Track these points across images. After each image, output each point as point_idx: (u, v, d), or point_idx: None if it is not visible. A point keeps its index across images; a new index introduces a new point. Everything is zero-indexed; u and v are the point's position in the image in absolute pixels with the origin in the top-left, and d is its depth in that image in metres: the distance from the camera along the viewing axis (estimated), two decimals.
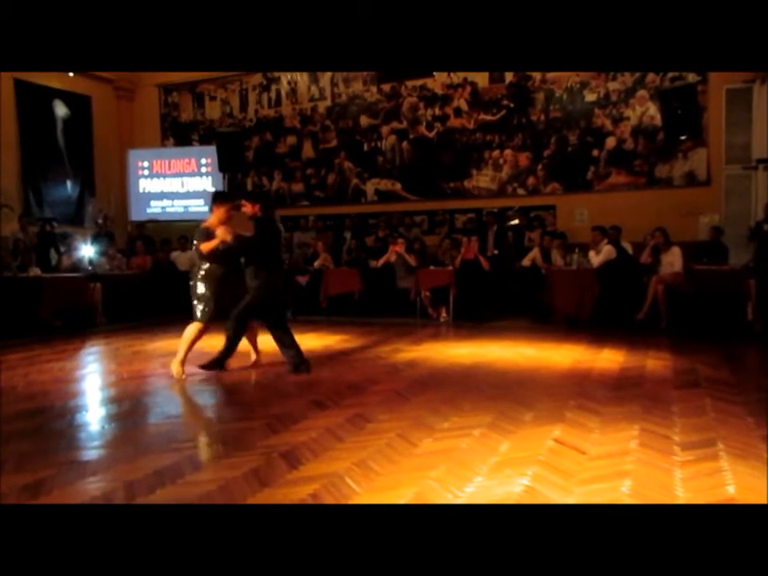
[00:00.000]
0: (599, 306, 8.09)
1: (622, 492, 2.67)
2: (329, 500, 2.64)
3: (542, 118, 10.26)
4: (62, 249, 9.83)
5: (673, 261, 7.93)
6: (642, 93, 9.63)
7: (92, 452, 3.44)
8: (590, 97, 9.98)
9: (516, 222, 10.18)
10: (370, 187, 11.48)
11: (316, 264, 9.98)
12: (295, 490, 2.74)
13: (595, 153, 9.93)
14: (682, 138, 8.97)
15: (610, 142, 9.85)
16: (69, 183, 11.76)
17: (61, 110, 11.62)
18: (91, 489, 2.83)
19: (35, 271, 8.57)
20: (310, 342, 7.22)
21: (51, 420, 4.06)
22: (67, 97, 11.70)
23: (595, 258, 8.30)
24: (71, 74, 11.42)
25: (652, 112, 9.54)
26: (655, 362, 5.70)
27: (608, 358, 5.92)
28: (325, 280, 9.63)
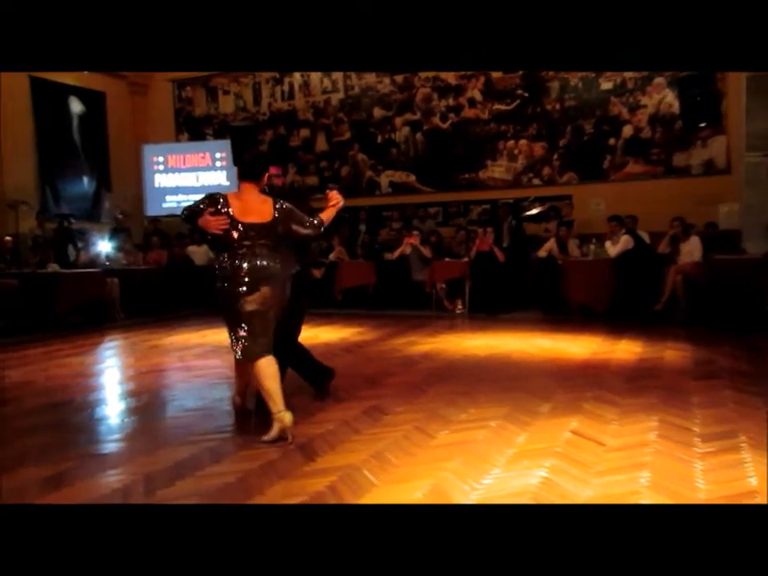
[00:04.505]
0: (616, 297, 8.02)
1: (641, 484, 2.64)
2: (346, 492, 2.64)
3: (557, 107, 10.16)
4: (80, 245, 9.92)
5: (692, 250, 7.83)
6: (659, 80, 9.49)
7: (112, 445, 3.47)
8: (606, 85, 9.86)
9: (536, 210, 10.09)
10: (384, 179, 11.46)
11: (331, 257, 9.99)
12: (312, 482, 2.75)
13: (611, 142, 9.82)
14: (701, 125, 8.82)
15: (627, 131, 9.73)
16: (85, 179, 11.85)
17: (76, 106, 11.70)
18: (112, 481, 2.86)
19: (53, 267, 8.66)
20: (325, 334, 7.24)
21: (71, 413, 4.10)
22: (82, 93, 11.78)
23: (612, 249, 8.22)
24: (86, 71, 11.48)
25: (669, 99, 9.40)
26: (674, 353, 5.65)
27: (626, 349, 5.87)
28: (339, 273, 9.64)
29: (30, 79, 10.74)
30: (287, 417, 3.33)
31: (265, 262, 3.42)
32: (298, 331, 4.13)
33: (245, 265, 3.39)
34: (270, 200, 3.49)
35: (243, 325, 3.42)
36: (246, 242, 3.41)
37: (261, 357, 3.41)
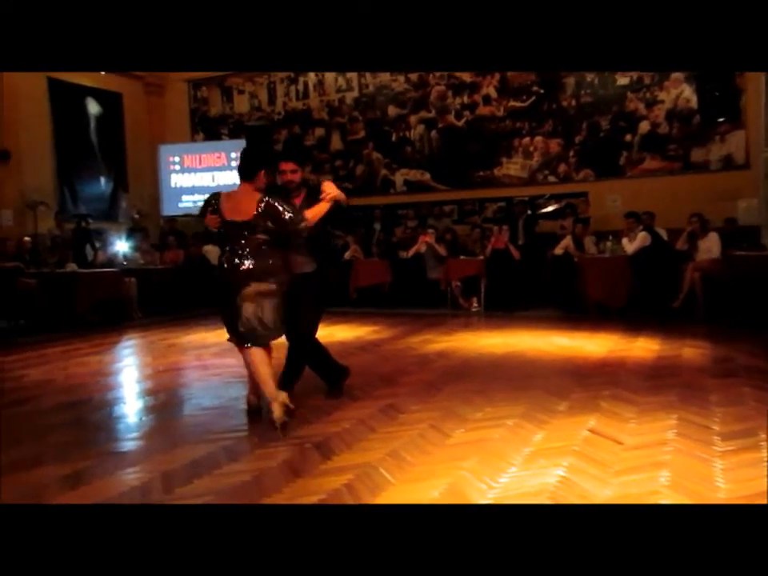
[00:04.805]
0: (634, 295, 7.96)
1: (660, 483, 2.62)
2: (363, 490, 2.64)
3: (573, 103, 10.09)
4: (97, 244, 10.02)
5: (710, 247, 7.75)
6: (676, 75, 9.38)
7: (130, 443, 3.50)
8: (622, 81, 9.76)
9: (551, 208, 10.04)
10: (398, 178, 11.44)
11: (346, 255, 9.99)
12: (329, 480, 2.75)
13: (628, 138, 9.73)
14: (719, 120, 8.72)
15: (644, 127, 9.63)
16: (102, 180, 11.96)
17: (93, 107, 11.81)
18: (130, 479, 2.88)
19: (72, 267, 8.75)
20: (340, 333, 7.25)
21: (90, 412, 4.14)
22: (99, 94, 11.88)
23: (629, 246, 8.16)
24: (102, 72, 11.58)
25: (687, 94, 9.30)
26: (692, 351, 5.59)
27: (643, 347, 5.82)
28: (355, 271, 9.64)
29: (47, 81, 10.86)
30: (282, 394, 3.55)
31: (251, 260, 3.52)
32: (314, 329, 4.12)
33: (235, 262, 3.53)
34: (256, 197, 3.52)
35: (235, 319, 3.56)
36: (235, 240, 3.56)
37: (253, 346, 3.57)
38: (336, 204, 3.76)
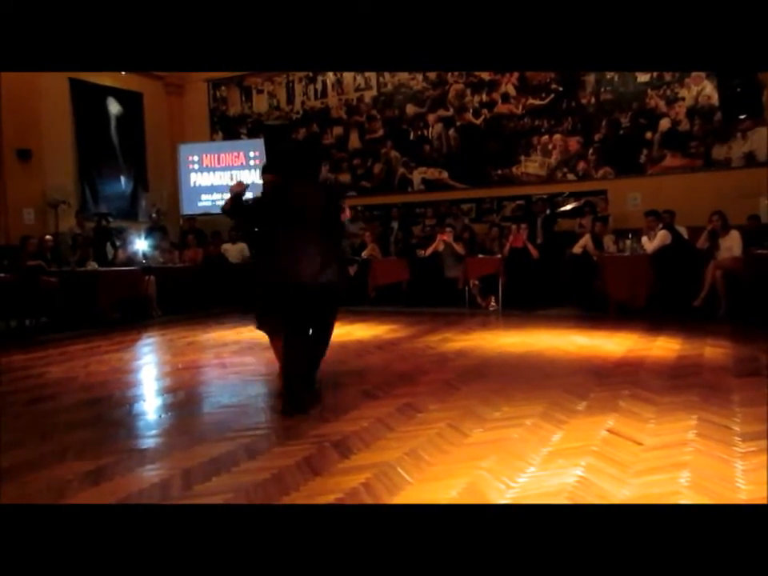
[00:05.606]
0: (654, 293, 7.88)
1: (680, 484, 2.59)
2: (381, 490, 2.64)
3: (593, 101, 10.01)
4: (118, 243, 10.12)
5: (732, 245, 7.65)
6: (697, 72, 9.27)
7: (150, 440, 3.53)
8: (643, 78, 9.66)
9: (570, 206, 9.97)
10: (416, 176, 11.43)
11: (364, 254, 10.01)
12: (347, 479, 2.76)
13: (648, 135, 9.64)
14: (741, 117, 8.60)
15: (664, 124, 9.54)
16: (123, 179, 12.09)
17: (114, 107, 11.94)
18: (150, 476, 2.91)
19: (92, 265, 8.86)
20: (358, 332, 7.26)
21: (110, 409, 4.19)
22: (120, 94, 12.01)
23: (649, 244, 8.08)
24: (123, 72, 11.70)
25: (708, 91, 9.19)
26: (714, 350, 5.52)
27: (664, 347, 5.76)
28: (372, 270, 9.65)
29: (69, 81, 10.99)
30: None
31: None
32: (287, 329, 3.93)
33: None
34: None
35: None
36: None
37: None
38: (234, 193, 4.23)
